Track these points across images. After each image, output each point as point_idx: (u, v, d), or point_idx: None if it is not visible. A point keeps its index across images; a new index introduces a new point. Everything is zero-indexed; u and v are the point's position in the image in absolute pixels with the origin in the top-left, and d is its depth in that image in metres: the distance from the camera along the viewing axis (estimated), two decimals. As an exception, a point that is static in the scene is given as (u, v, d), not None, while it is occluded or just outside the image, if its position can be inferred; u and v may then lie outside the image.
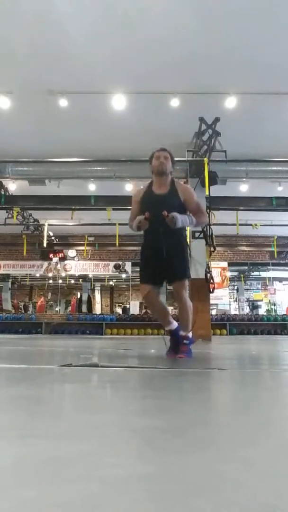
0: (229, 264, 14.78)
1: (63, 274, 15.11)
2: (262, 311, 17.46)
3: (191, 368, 2.60)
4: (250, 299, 19.31)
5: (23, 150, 8.24)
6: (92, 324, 13.25)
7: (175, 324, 3.34)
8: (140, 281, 3.39)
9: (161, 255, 3.14)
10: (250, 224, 11.01)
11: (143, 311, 15.09)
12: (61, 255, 14.19)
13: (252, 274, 17.56)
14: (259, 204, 9.70)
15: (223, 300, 16.22)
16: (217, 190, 7.86)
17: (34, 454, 0.73)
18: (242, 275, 17.33)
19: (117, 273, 14.53)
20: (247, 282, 18.50)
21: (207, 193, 7.21)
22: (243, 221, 10.77)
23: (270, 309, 16.50)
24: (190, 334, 3.29)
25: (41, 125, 7.50)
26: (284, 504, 0.53)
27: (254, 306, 18.98)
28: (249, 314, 16.47)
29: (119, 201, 8.91)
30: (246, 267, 15.81)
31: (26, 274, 15.70)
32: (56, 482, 0.60)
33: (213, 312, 14.78)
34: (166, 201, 3.23)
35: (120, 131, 7.53)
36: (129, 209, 3.52)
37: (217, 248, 9.32)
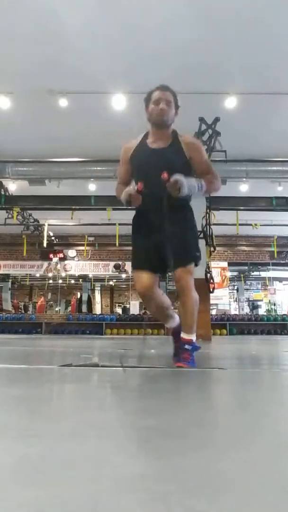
0: (229, 264, 14.78)
1: (63, 274, 15.11)
2: (262, 311, 17.45)
3: (191, 368, 2.60)
4: (250, 299, 19.31)
5: (23, 150, 8.24)
6: (92, 324, 13.25)
7: (177, 319, 2.64)
8: (132, 267, 2.58)
9: (160, 233, 2.36)
10: (250, 224, 11.01)
11: (143, 311, 15.08)
12: (61, 255, 14.19)
13: (252, 274, 17.56)
14: (259, 204, 9.70)
15: (223, 300, 16.21)
16: (217, 190, 7.86)
17: (34, 454, 0.73)
18: (242, 275, 17.32)
19: (117, 273, 14.53)
20: (247, 282, 18.50)
21: (207, 193, 7.21)
22: (243, 221, 10.77)
23: (270, 309, 16.50)
24: (194, 338, 2.53)
25: (41, 125, 7.50)
26: (284, 504, 0.53)
27: (254, 306, 18.97)
28: (249, 314, 16.46)
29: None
30: (246, 267, 15.81)
31: (26, 274, 15.69)
32: (56, 482, 0.60)
33: (213, 312, 14.78)
34: (167, 158, 2.44)
35: (120, 131, 7.51)
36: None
37: (217, 248, 9.32)
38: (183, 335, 2.53)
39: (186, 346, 2.49)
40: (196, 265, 2.59)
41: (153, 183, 2.29)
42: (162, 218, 2.31)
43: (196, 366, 2.44)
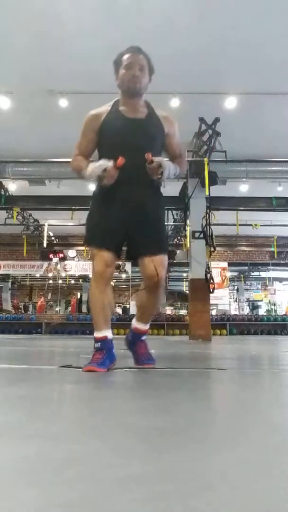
0: (229, 264, 14.78)
1: (63, 274, 15.10)
2: (262, 311, 17.46)
3: (191, 368, 2.60)
4: (250, 299, 19.32)
5: (23, 150, 8.24)
6: (92, 324, 13.22)
7: (110, 332, 2.25)
8: (90, 244, 2.27)
9: (132, 213, 2.13)
10: (250, 224, 11.01)
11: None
12: (61, 255, 14.19)
13: (252, 274, 17.57)
14: (259, 204, 9.70)
15: (223, 300, 16.21)
16: (217, 190, 7.86)
17: (34, 454, 0.73)
18: (242, 275, 17.34)
19: (117, 273, 14.53)
20: (247, 282, 18.51)
21: (207, 193, 7.22)
22: (243, 221, 10.77)
23: (270, 309, 16.50)
24: (148, 326, 2.40)
25: (41, 125, 7.50)
26: (283, 504, 0.53)
27: (254, 306, 18.98)
28: (249, 314, 16.47)
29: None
30: (246, 267, 15.83)
31: (26, 274, 15.70)
32: (56, 482, 0.60)
33: (213, 312, 14.78)
34: (147, 131, 2.20)
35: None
36: None
37: (217, 248, 9.32)
38: (141, 326, 2.35)
39: (143, 338, 2.37)
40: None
41: (132, 157, 2.03)
42: (136, 197, 2.12)
43: (155, 360, 2.34)
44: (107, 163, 2.03)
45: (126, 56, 2.23)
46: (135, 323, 2.39)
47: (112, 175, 2.03)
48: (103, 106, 2.31)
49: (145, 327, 2.36)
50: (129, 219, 2.16)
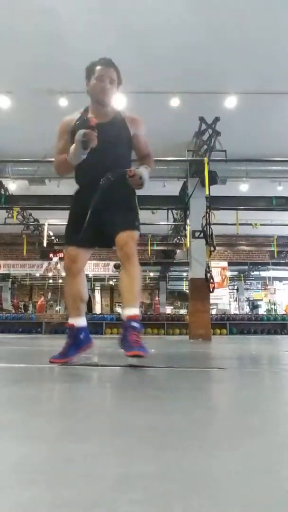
0: (229, 264, 14.79)
1: (63, 274, 15.09)
2: (262, 310, 17.47)
3: (191, 367, 2.60)
4: (250, 298, 19.33)
5: (23, 150, 8.24)
6: (92, 323, 13.25)
7: (78, 320, 2.41)
8: (65, 243, 2.50)
9: (100, 209, 2.26)
10: (250, 224, 11.02)
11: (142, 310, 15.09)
12: (61, 255, 14.17)
13: (252, 274, 17.58)
14: (259, 204, 9.71)
15: (223, 299, 16.23)
16: (217, 190, 7.86)
17: (34, 454, 0.73)
18: (242, 275, 17.35)
19: (117, 272, 14.53)
20: (247, 281, 18.53)
21: (207, 193, 7.22)
22: (243, 220, 10.78)
23: (270, 308, 16.51)
24: (138, 310, 2.26)
25: (41, 125, 7.48)
26: (284, 503, 0.53)
27: (254, 305, 19.00)
28: (249, 313, 16.48)
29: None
30: (246, 267, 15.84)
31: (26, 274, 15.71)
32: (56, 482, 0.60)
33: (213, 311, 14.80)
34: (112, 133, 2.38)
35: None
36: None
37: (217, 248, 9.32)
38: (128, 312, 2.22)
39: (133, 324, 2.17)
40: (139, 235, 2.39)
41: (98, 158, 2.22)
42: (105, 192, 2.25)
43: (148, 351, 2.16)
44: (82, 131, 2.15)
45: (98, 68, 2.43)
46: (123, 312, 2.28)
47: (92, 135, 2.14)
48: (75, 113, 2.50)
49: (133, 311, 2.21)
50: (96, 215, 2.26)
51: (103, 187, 2.24)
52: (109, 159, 2.29)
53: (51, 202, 9.66)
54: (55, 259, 14.14)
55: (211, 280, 7.50)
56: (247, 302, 19.17)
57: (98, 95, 2.42)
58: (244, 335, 12.54)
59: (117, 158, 2.36)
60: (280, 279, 18.25)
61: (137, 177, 2.22)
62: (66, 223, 2.53)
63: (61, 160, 2.35)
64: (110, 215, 2.30)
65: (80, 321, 2.38)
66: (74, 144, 2.20)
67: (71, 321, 2.38)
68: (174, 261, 14.29)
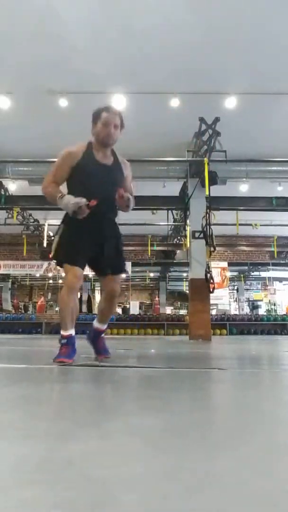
0: (229, 264, 14.78)
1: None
2: (262, 311, 17.46)
3: (191, 368, 2.60)
4: (250, 299, 19.33)
5: (23, 150, 8.24)
6: (92, 323, 13.23)
7: (74, 330, 2.64)
8: (66, 261, 2.69)
9: (100, 239, 2.68)
10: (250, 224, 11.01)
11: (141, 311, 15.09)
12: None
13: (252, 274, 17.57)
14: (259, 204, 9.70)
15: (223, 300, 16.23)
16: (217, 190, 7.86)
17: (34, 454, 0.73)
18: (242, 275, 17.34)
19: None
20: (247, 282, 18.52)
21: (207, 193, 7.21)
22: (243, 221, 10.78)
23: (270, 309, 16.51)
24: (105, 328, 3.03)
25: (41, 125, 7.50)
26: (284, 503, 0.53)
27: (254, 306, 18.99)
28: (249, 314, 16.47)
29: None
30: (246, 267, 15.82)
31: (26, 274, 15.70)
32: (56, 482, 0.60)
33: (213, 312, 14.79)
34: (115, 175, 2.75)
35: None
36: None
37: (217, 248, 9.32)
38: (100, 326, 2.98)
39: (102, 335, 3.00)
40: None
41: (101, 195, 2.56)
42: (103, 227, 2.70)
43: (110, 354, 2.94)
44: (82, 201, 2.48)
45: (104, 114, 2.71)
46: (96, 324, 2.99)
47: (84, 212, 2.52)
48: (78, 146, 2.74)
49: (103, 327, 3.00)
50: (97, 244, 2.70)
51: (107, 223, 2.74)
52: (110, 197, 2.62)
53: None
54: (55, 259, 14.13)
55: (211, 281, 7.49)
56: (247, 302, 19.17)
57: (103, 139, 2.70)
58: (244, 336, 12.54)
59: (114, 195, 2.64)
60: (280, 280, 18.25)
61: (125, 198, 2.59)
62: (62, 241, 2.72)
63: (53, 195, 2.64)
64: (108, 249, 2.73)
65: (73, 331, 2.65)
66: (69, 198, 2.53)
67: (71, 332, 2.61)
68: (174, 261, 14.28)
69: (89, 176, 2.67)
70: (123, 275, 2.99)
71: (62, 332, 2.61)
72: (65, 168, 2.68)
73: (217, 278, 12.54)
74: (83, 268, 2.70)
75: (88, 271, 3.13)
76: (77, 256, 2.67)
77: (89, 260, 2.77)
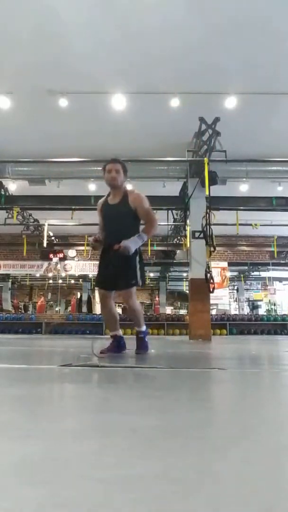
0: (229, 264, 14.78)
1: (63, 274, 15.10)
2: (262, 311, 17.46)
3: (191, 368, 2.60)
4: (250, 299, 19.32)
5: (23, 150, 8.24)
6: (92, 324, 13.25)
7: (120, 332, 3.60)
8: (96, 285, 3.78)
9: (110, 266, 3.45)
10: (250, 224, 11.01)
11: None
12: (61, 255, 14.19)
13: (252, 274, 17.56)
14: (259, 204, 9.70)
15: (223, 300, 16.22)
16: (217, 190, 7.86)
17: (34, 454, 0.73)
18: (242, 275, 17.33)
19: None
20: (247, 282, 18.50)
21: (207, 193, 7.21)
22: (243, 221, 10.77)
23: (270, 309, 16.50)
24: (143, 328, 3.61)
25: (41, 125, 7.50)
26: (284, 503, 0.53)
27: (254, 306, 18.99)
28: (249, 314, 16.47)
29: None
30: (246, 267, 15.82)
31: (26, 274, 15.70)
32: (56, 482, 0.60)
33: (213, 312, 14.79)
34: (118, 211, 3.48)
35: (120, 131, 7.53)
36: None
37: (217, 248, 9.32)
38: (137, 328, 3.63)
39: (140, 335, 3.60)
40: (138, 286, 3.55)
41: (109, 230, 3.51)
42: (114, 255, 3.35)
43: (148, 349, 3.61)
44: (90, 238, 3.58)
45: (108, 165, 3.50)
46: (136, 329, 3.68)
47: (94, 245, 3.58)
48: (104, 197, 3.69)
49: (139, 328, 3.62)
50: (108, 270, 3.51)
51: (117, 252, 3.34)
52: (119, 229, 3.42)
53: (51, 202, 9.66)
54: (55, 259, 14.14)
55: (211, 281, 7.49)
56: (247, 302, 19.16)
57: (109, 183, 3.50)
58: (244, 336, 12.53)
59: (125, 227, 3.41)
60: (280, 280, 18.23)
61: (121, 250, 3.23)
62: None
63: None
64: (119, 272, 3.41)
65: (119, 332, 3.58)
66: (90, 240, 3.64)
67: (115, 332, 3.58)
68: (174, 261, 14.28)
69: (104, 216, 3.59)
70: (131, 290, 3.53)
71: (110, 333, 3.65)
72: (99, 216, 3.66)
73: (217, 278, 12.55)
74: (107, 289, 3.53)
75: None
76: (101, 281, 3.58)
77: (111, 282, 3.50)
